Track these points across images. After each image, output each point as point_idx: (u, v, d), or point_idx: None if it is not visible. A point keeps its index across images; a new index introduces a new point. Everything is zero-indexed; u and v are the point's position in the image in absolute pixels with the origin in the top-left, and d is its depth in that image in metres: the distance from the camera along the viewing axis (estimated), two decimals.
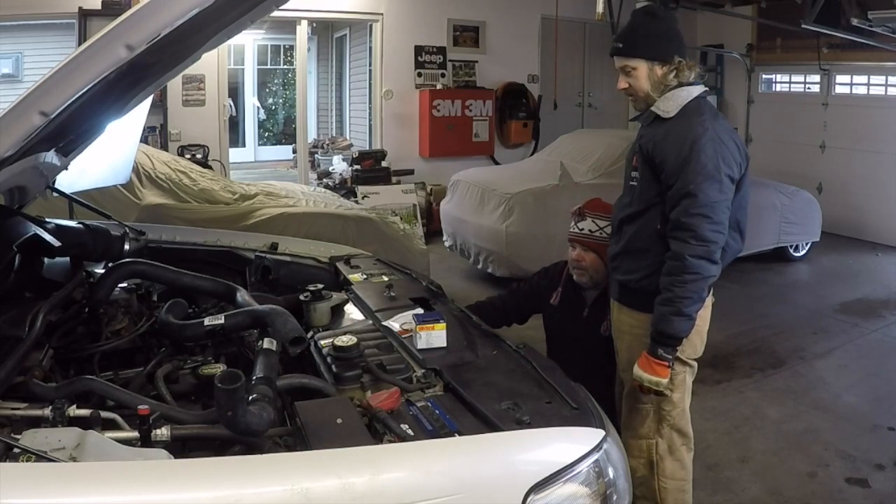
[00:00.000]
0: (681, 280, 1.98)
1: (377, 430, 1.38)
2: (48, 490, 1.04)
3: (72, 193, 2.38)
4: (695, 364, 2.28)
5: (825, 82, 7.69)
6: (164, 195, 4.22)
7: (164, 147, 6.24)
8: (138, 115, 2.47)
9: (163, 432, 1.32)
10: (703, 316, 2.20)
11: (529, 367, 1.63)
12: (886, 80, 7.18)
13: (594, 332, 2.54)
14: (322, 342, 1.77)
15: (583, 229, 2.57)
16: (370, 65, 8.05)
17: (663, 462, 2.28)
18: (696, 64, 2.14)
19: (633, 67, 2.10)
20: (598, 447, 1.33)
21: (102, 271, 2.10)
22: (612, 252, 2.29)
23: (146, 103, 2.22)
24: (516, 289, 2.98)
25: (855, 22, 5.55)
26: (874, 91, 7.37)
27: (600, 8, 6.05)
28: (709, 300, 2.21)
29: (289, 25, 8.39)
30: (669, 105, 2.08)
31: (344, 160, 8.03)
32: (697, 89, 2.10)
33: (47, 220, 2.12)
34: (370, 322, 1.97)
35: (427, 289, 2.21)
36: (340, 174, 7.53)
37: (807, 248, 6.51)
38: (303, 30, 7.39)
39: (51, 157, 1.87)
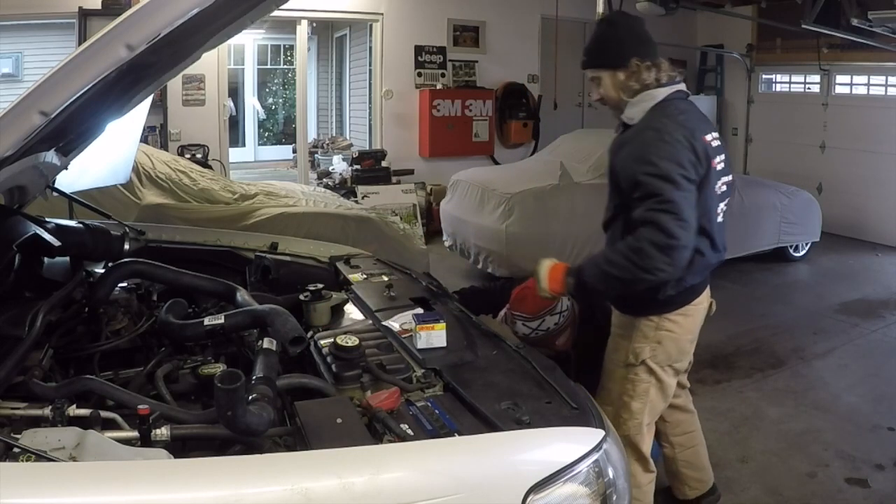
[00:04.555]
0: (624, 258, 1.91)
1: (377, 429, 1.39)
2: (48, 490, 1.04)
3: (72, 193, 2.38)
4: (665, 376, 2.16)
5: (825, 82, 7.68)
6: (164, 195, 4.23)
7: (164, 147, 6.23)
8: (138, 115, 2.47)
9: (163, 432, 1.32)
10: (683, 325, 2.14)
11: (529, 367, 1.63)
12: (886, 80, 7.17)
13: None
14: (322, 342, 1.78)
15: (517, 333, 2.41)
16: (370, 65, 8.04)
17: None
18: (664, 63, 2.08)
19: (597, 77, 2.12)
20: (597, 447, 1.33)
21: (102, 271, 2.10)
22: None
23: (146, 103, 2.22)
24: (498, 288, 3.02)
25: (855, 22, 5.55)
26: (874, 91, 7.37)
27: (600, 8, 6.03)
28: (693, 309, 2.15)
29: (289, 25, 8.38)
30: (634, 111, 2.07)
31: (344, 160, 8.02)
32: (664, 91, 2.05)
33: (47, 220, 2.12)
34: (370, 322, 1.97)
35: (427, 289, 2.21)
36: (340, 174, 7.52)
37: (807, 248, 6.50)
38: (303, 30, 7.38)
39: (51, 156, 1.87)
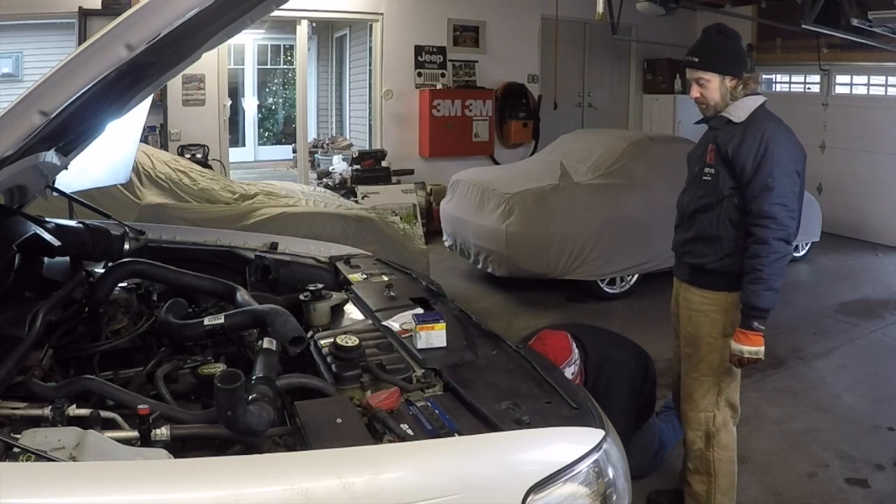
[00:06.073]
0: (768, 260, 2.27)
1: (377, 429, 1.38)
2: (48, 490, 1.04)
3: (72, 193, 2.38)
4: None
5: (825, 82, 7.68)
6: (164, 195, 4.22)
7: (164, 147, 6.23)
8: (138, 115, 2.47)
9: (162, 432, 1.32)
10: None
11: (529, 367, 1.63)
12: (886, 80, 7.17)
13: None
14: (322, 342, 1.77)
15: None
16: (370, 65, 8.04)
17: (719, 434, 2.54)
18: (755, 77, 2.48)
19: (707, 80, 2.39)
20: (597, 447, 1.33)
21: (102, 271, 2.10)
22: (683, 238, 2.53)
23: (146, 103, 2.22)
24: None
25: (855, 22, 5.54)
26: (874, 91, 7.37)
27: (600, 8, 6.05)
28: None
29: (289, 25, 8.39)
30: (740, 112, 2.38)
31: (344, 160, 8.02)
32: (761, 98, 2.42)
33: (47, 219, 2.12)
34: (370, 322, 1.97)
35: (427, 289, 2.21)
36: (340, 174, 7.52)
37: (807, 248, 6.51)
38: (303, 30, 7.38)
39: (51, 156, 1.87)
